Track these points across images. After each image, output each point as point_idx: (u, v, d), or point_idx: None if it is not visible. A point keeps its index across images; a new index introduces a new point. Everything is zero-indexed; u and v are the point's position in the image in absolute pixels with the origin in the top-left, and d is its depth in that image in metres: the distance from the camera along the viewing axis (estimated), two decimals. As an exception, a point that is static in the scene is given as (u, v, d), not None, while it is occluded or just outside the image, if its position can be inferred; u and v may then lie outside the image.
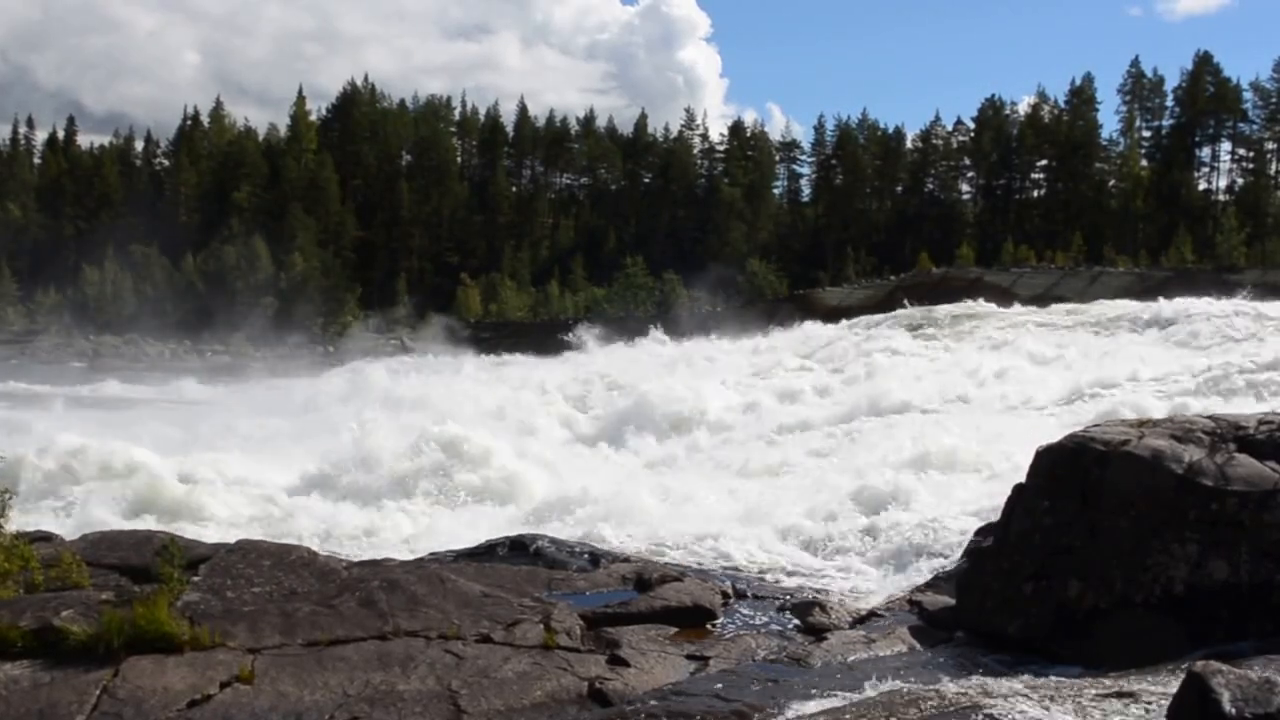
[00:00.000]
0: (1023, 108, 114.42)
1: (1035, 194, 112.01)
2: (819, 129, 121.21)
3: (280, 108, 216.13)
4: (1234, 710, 6.27)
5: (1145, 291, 52.91)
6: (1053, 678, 8.82)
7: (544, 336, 73.14)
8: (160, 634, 8.71)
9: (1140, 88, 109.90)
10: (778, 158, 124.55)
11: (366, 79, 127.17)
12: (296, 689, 8.46)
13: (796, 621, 11.58)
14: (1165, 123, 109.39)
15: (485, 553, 14.05)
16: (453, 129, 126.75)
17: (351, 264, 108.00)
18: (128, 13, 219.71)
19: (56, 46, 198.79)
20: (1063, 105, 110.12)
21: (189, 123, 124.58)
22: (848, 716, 7.83)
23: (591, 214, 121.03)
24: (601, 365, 42.93)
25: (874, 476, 18.21)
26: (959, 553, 12.65)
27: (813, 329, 50.63)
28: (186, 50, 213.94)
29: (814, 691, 8.88)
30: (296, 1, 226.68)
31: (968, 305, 50.59)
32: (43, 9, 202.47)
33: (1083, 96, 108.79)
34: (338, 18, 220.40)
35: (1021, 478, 10.96)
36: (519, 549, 14.01)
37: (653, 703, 8.73)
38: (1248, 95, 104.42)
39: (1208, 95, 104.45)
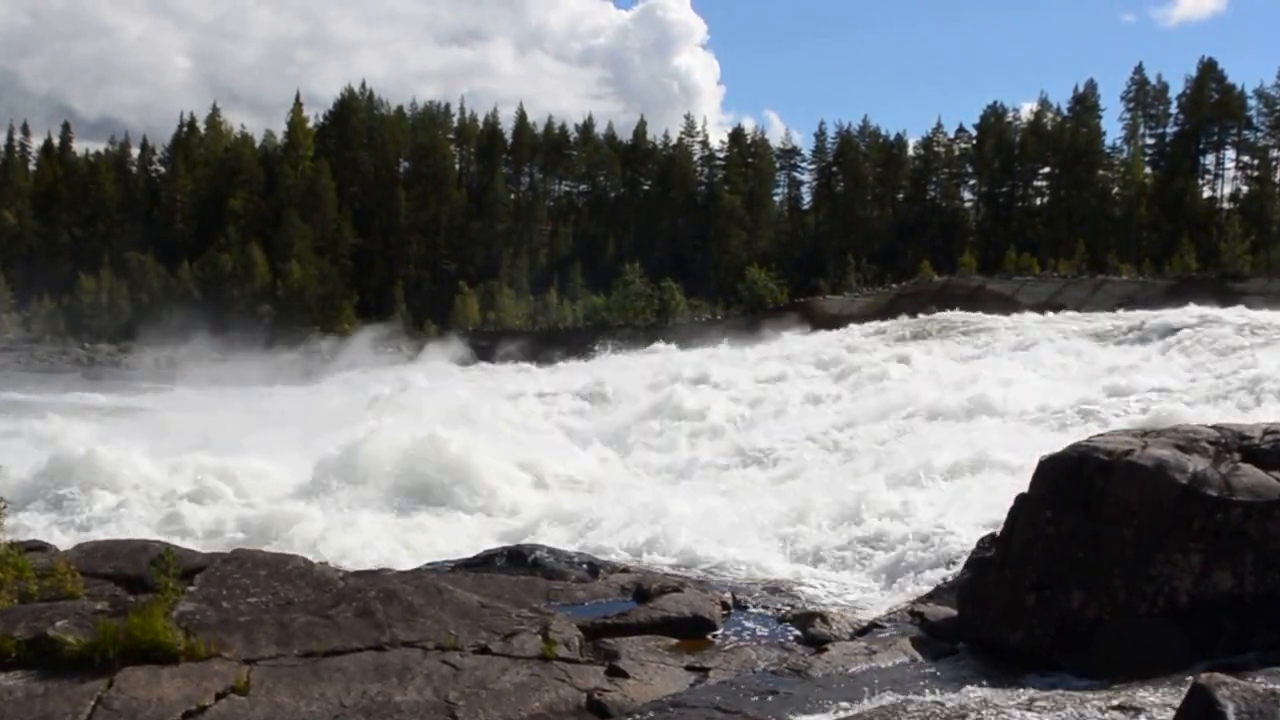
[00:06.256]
0: (1025, 114, 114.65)
1: (1038, 201, 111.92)
2: (819, 136, 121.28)
3: (273, 114, 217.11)
4: (1239, 723, 6.20)
5: (1149, 300, 52.92)
6: (1055, 690, 8.76)
7: (542, 344, 73.28)
8: (155, 644, 8.65)
9: (1144, 94, 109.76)
10: (778, 165, 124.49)
11: (364, 85, 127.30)
12: (293, 700, 8.39)
13: (797, 632, 11.51)
14: (1169, 130, 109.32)
15: (483, 563, 14.00)
16: (450, 136, 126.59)
17: (349, 272, 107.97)
18: (116, 18, 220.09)
19: (45, 52, 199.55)
20: (1065, 112, 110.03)
21: (185, 130, 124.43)
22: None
23: (590, 221, 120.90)
24: (602, 373, 42.93)
25: (875, 485, 18.17)
26: (961, 563, 12.58)
27: (814, 337, 50.74)
28: (177, 55, 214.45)
29: (815, 703, 8.83)
30: (287, 6, 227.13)
31: (970, 314, 50.66)
32: (30, 14, 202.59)
33: (1086, 103, 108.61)
34: (329, 23, 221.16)
35: (1024, 487, 10.89)
36: (517, 559, 13.95)
37: (652, 714, 8.68)
38: (1252, 102, 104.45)
39: (1212, 102, 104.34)
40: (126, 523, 19.17)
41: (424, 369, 55.30)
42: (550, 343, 75.73)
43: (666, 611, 11.60)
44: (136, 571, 11.21)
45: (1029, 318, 47.81)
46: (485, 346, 76.47)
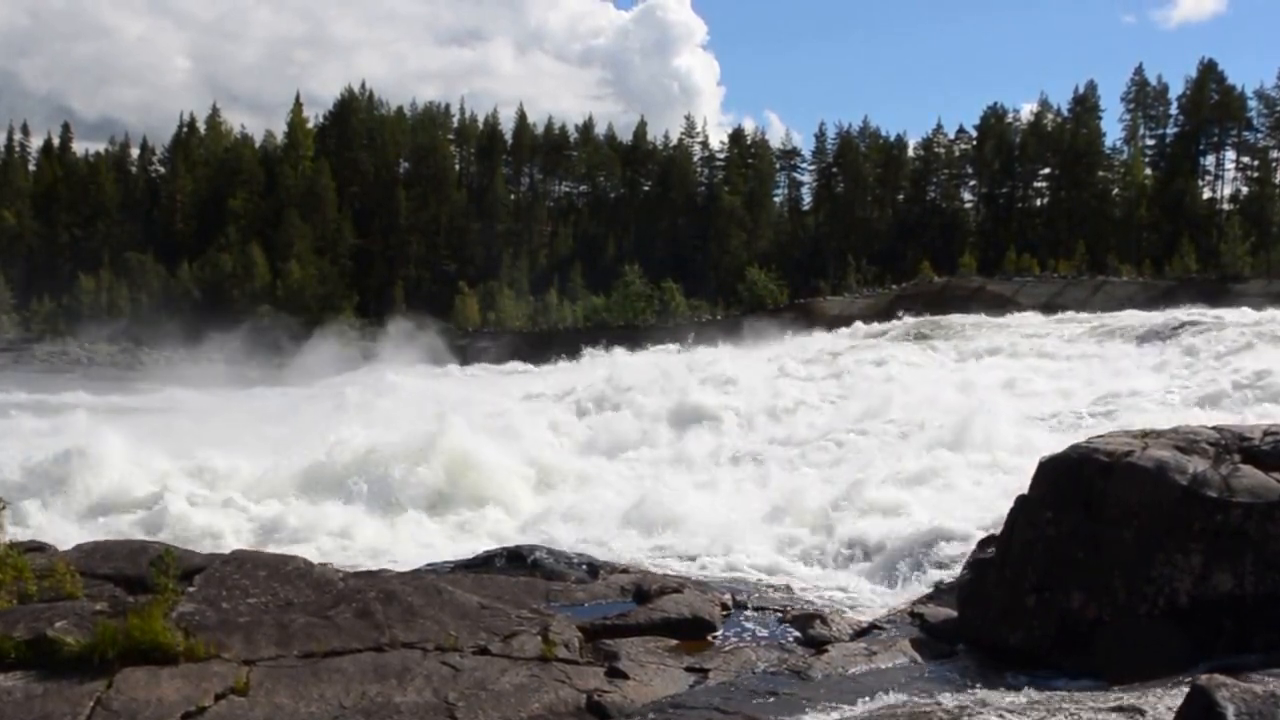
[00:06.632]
0: (1025, 115, 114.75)
1: (1038, 202, 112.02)
2: (820, 137, 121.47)
3: (273, 114, 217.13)
4: (1239, 725, 6.18)
5: (1149, 301, 52.93)
6: (1055, 691, 8.76)
7: (541, 345, 73.14)
8: (155, 645, 8.62)
9: (1144, 95, 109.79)
10: (778, 165, 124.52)
11: (364, 86, 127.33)
12: (292, 701, 8.37)
13: (797, 633, 11.48)
14: (1169, 130, 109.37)
15: (482, 564, 13.98)
16: (450, 136, 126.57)
17: (349, 272, 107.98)
18: (115, 18, 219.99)
19: (45, 52, 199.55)
20: (1065, 113, 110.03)
21: (185, 130, 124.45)
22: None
23: (590, 222, 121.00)
24: (600, 374, 42.85)
25: (876, 487, 18.15)
26: (961, 564, 12.57)
27: (814, 338, 50.74)
28: (176, 56, 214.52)
29: (814, 704, 8.81)
30: (287, 7, 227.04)
31: (970, 315, 50.66)
32: (30, 14, 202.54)
33: (1086, 104, 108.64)
34: (329, 23, 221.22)
35: (1024, 488, 10.88)
36: (516, 560, 13.93)
37: (651, 715, 8.66)
38: (1252, 103, 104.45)
39: (1212, 103, 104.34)
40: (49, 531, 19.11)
41: (368, 380, 54.18)
42: (531, 344, 75.79)
43: (666, 612, 11.58)
44: (136, 572, 11.17)
45: (1030, 318, 47.88)
46: (464, 347, 76.51)
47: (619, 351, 55.46)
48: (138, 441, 24.26)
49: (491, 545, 15.99)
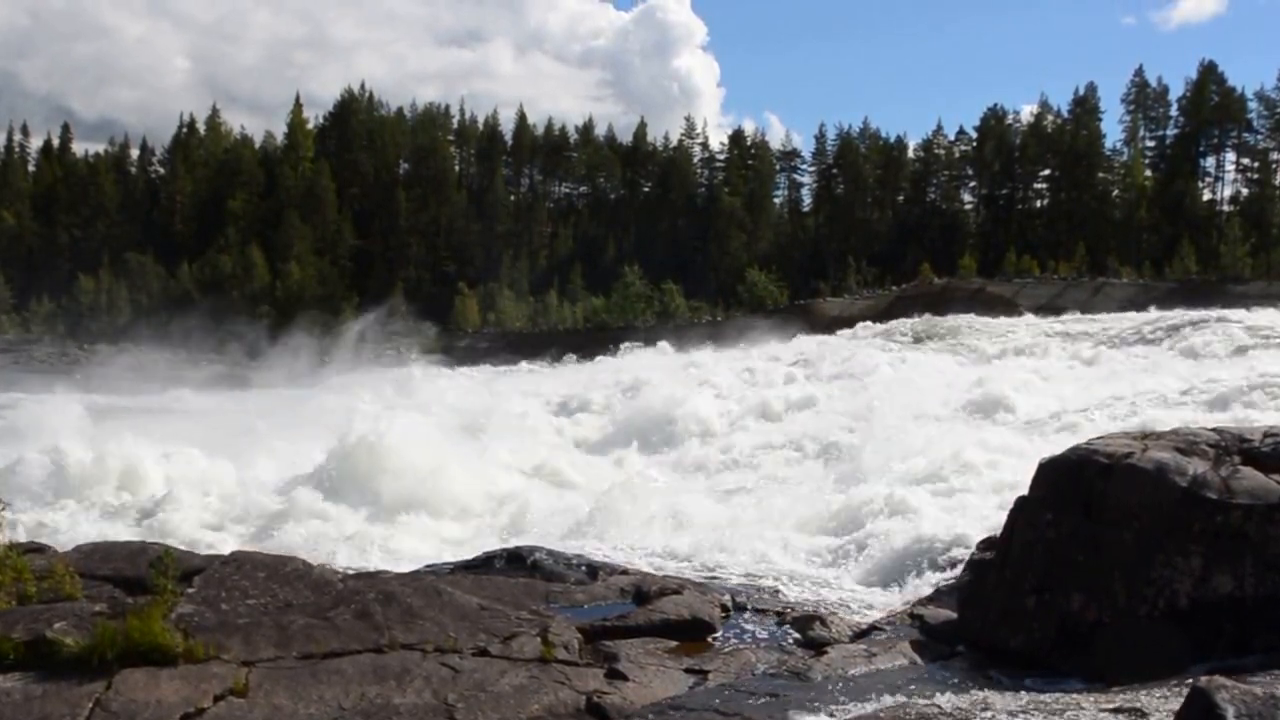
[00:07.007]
0: (1025, 117, 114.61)
1: (1038, 204, 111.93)
2: (820, 138, 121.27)
3: (273, 115, 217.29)
4: (1239, 727, 6.18)
5: (1149, 302, 52.92)
6: (1055, 693, 8.74)
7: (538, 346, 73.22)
8: (154, 646, 8.61)
9: (1144, 97, 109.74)
10: (778, 167, 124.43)
11: (364, 87, 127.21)
12: (291, 702, 8.36)
13: (796, 635, 11.48)
14: (1169, 132, 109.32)
15: (482, 565, 13.98)
16: (450, 137, 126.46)
17: (349, 273, 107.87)
18: (115, 19, 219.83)
19: (45, 52, 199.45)
20: (1066, 114, 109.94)
21: (184, 130, 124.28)
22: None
23: (590, 223, 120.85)
24: (599, 375, 42.89)
25: (876, 488, 18.15)
26: (961, 566, 12.57)
27: (813, 339, 50.75)
28: (176, 57, 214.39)
29: (814, 706, 8.79)
30: (286, 8, 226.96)
31: (970, 316, 50.68)
32: (30, 14, 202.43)
33: (1086, 106, 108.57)
34: (328, 25, 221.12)
35: (1024, 490, 10.87)
36: (516, 561, 13.92)
37: (651, 716, 8.64)
38: (1252, 105, 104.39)
39: (1212, 105, 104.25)
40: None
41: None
42: (522, 345, 75.85)
43: (665, 614, 11.58)
44: (135, 573, 11.16)
45: (1030, 320, 47.91)
46: (458, 348, 76.50)
47: (570, 359, 55.86)
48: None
49: (440, 545, 16.02)
